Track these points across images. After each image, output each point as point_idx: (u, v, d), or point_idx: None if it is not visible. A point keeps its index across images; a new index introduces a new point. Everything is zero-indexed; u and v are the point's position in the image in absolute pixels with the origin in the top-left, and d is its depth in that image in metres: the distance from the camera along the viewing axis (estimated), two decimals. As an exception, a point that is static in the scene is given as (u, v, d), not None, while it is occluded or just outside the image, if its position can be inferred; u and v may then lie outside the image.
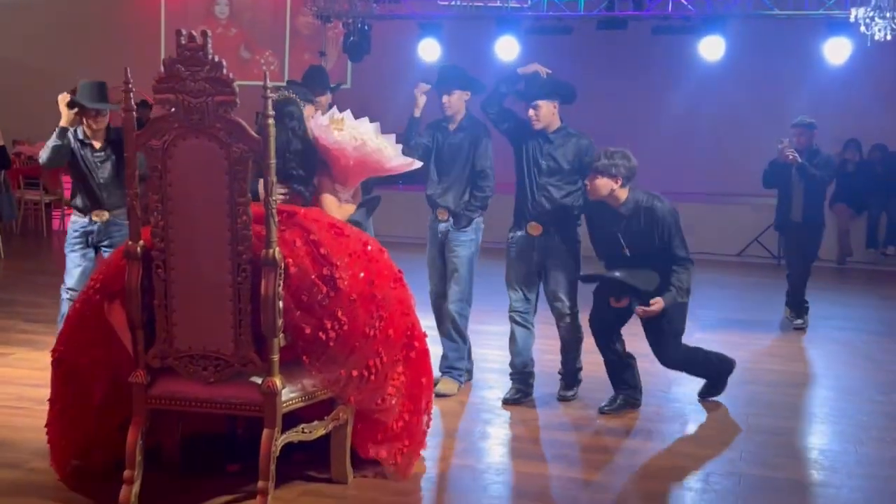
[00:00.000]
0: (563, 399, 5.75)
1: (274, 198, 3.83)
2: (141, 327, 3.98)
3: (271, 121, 3.82)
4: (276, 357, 3.90)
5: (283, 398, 3.94)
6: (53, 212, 13.16)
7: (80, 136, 5.96)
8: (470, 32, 13.00)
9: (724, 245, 11.72)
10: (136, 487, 3.98)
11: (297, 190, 4.63)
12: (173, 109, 3.85)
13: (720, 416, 5.54)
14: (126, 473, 3.98)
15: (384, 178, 5.25)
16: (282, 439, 3.97)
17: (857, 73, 12.42)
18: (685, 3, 11.63)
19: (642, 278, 5.36)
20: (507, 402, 5.73)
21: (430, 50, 12.54)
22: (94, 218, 6.03)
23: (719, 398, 5.81)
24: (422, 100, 5.91)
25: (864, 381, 6.47)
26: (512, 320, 5.81)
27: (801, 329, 8.09)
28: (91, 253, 6.14)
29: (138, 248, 3.95)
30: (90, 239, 6.08)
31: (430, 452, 4.71)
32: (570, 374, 5.82)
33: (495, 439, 5.25)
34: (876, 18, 9.90)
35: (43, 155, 5.89)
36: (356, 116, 4.90)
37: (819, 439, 5.36)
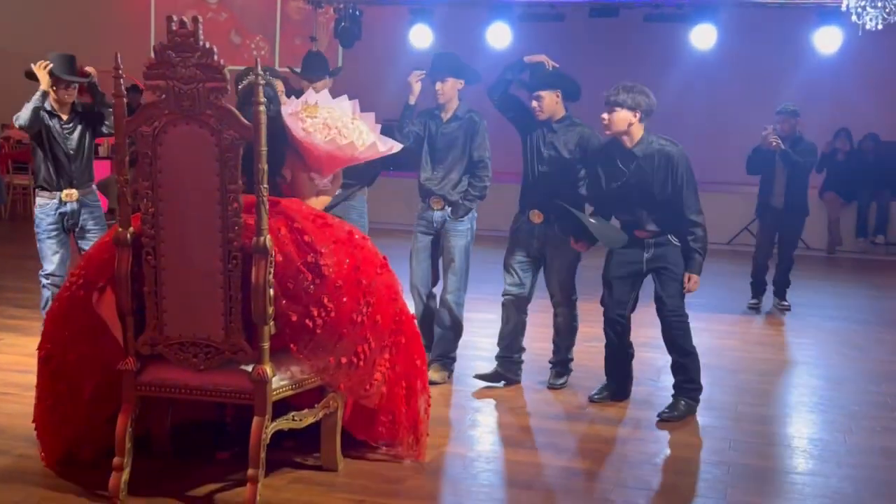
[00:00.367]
0: (552, 387, 5.76)
1: (265, 185, 3.81)
2: (131, 314, 3.96)
3: (262, 108, 3.79)
4: (266, 345, 3.89)
5: (273, 386, 3.93)
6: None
7: (48, 107, 6.03)
8: (461, 19, 12.97)
9: (714, 233, 11.63)
10: (125, 475, 3.97)
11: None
12: (164, 96, 3.82)
13: (710, 405, 5.55)
14: (115, 460, 3.96)
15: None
16: (272, 427, 3.96)
17: (848, 63, 12.43)
18: (677, -10, 11.61)
19: (610, 237, 5.29)
20: (480, 378, 5.80)
21: (421, 36, 12.50)
22: (65, 198, 6.05)
23: (709, 388, 5.81)
24: (417, 87, 5.87)
25: (854, 371, 6.49)
26: (504, 304, 5.84)
27: (787, 310, 8.40)
28: (66, 237, 6.14)
29: (128, 235, 3.93)
30: (65, 221, 6.08)
31: (420, 440, 4.71)
32: (562, 363, 5.83)
33: (485, 427, 5.25)
34: (868, 7, 9.89)
35: (22, 115, 5.95)
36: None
37: (808, 428, 5.37)
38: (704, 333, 7.31)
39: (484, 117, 5.89)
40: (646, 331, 5.62)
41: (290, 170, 4.56)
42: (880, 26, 9.97)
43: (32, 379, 4.38)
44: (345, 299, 4.02)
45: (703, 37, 11.86)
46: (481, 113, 5.90)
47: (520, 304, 5.82)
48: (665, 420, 5.21)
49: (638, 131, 5.27)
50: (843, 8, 10.11)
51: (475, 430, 5.13)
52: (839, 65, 12.45)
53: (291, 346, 4.00)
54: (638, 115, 5.23)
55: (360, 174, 5.73)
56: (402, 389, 4.40)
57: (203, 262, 3.90)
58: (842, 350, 7.13)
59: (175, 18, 3.79)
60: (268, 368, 3.88)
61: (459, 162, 5.83)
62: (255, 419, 3.88)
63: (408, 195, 7.75)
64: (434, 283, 6.05)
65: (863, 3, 9.69)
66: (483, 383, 5.81)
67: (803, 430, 5.34)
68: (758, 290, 8.58)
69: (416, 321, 4.62)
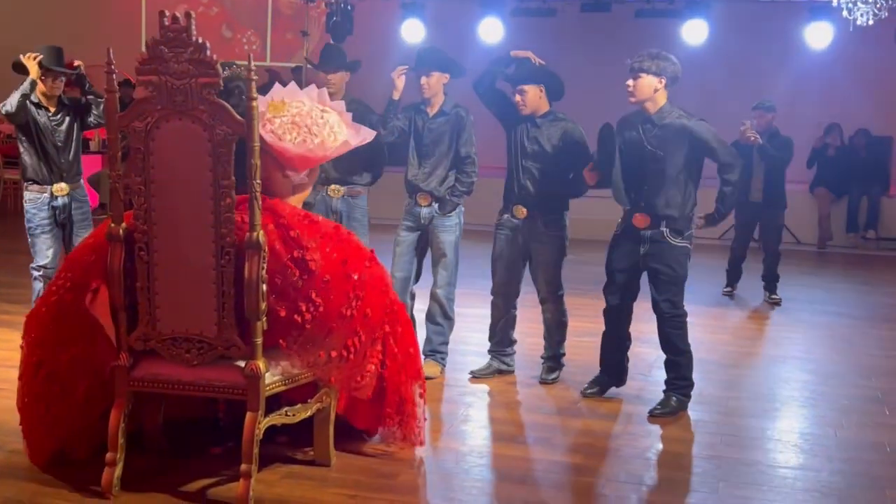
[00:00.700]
0: (544, 382, 5.78)
1: (258, 181, 3.81)
2: (123, 310, 3.96)
3: (255, 103, 3.80)
4: (259, 340, 3.89)
5: (266, 382, 3.93)
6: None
7: (35, 99, 6.05)
8: (453, 13, 12.96)
9: (706, 228, 11.77)
10: (118, 470, 3.98)
11: None
12: (156, 91, 3.81)
13: (701, 399, 5.57)
14: (108, 456, 3.97)
15: None
16: (265, 422, 3.96)
17: (839, 58, 12.46)
18: (669, -14, 11.63)
19: (619, 189, 5.21)
20: (473, 375, 5.83)
21: (413, 31, 12.49)
22: (56, 192, 6.06)
23: (700, 383, 5.83)
24: (400, 82, 5.84)
25: (845, 365, 6.52)
26: (492, 300, 5.89)
27: (777, 304, 8.50)
28: (59, 232, 6.15)
29: (121, 231, 3.92)
30: (58, 216, 6.09)
31: (412, 435, 4.72)
32: (553, 359, 5.85)
33: (478, 422, 5.26)
34: (858, 3, 9.93)
35: (10, 101, 5.95)
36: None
37: (799, 423, 5.40)
38: (695, 328, 7.31)
39: (470, 112, 5.88)
40: (638, 325, 5.62)
41: (263, 168, 4.46)
42: (871, 22, 10.01)
43: (24, 374, 4.36)
44: (333, 294, 4.02)
45: (694, 32, 11.88)
46: (468, 108, 5.89)
47: (508, 299, 5.85)
48: (656, 416, 5.22)
49: (662, 98, 5.22)
50: (834, 3, 10.15)
51: (468, 425, 5.14)
52: (830, 60, 12.48)
53: (281, 341, 4.00)
54: (663, 81, 5.18)
55: (366, 167, 5.83)
56: (402, 376, 4.42)
57: (196, 257, 3.90)
58: (832, 345, 7.16)
59: (167, 14, 3.78)
60: (261, 364, 3.88)
61: (446, 157, 5.83)
62: (248, 415, 3.89)
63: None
64: (416, 280, 6.04)
65: (853, -1, 9.73)
66: (477, 377, 5.83)
67: (794, 425, 5.36)
68: (732, 278, 8.82)
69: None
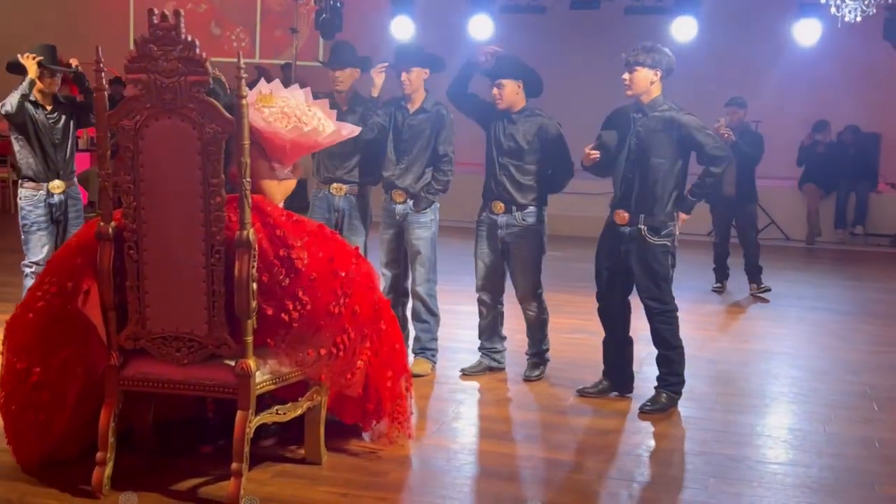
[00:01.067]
0: (528, 379, 5.77)
1: (247, 179, 3.80)
2: (113, 309, 3.95)
3: (245, 101, 3.79)
4: (250, 339, 3.88)
5: (256, 380, 3.93)
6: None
7: (32, 98, 6.07)
8: (443, 10, 12.96)
9: (695, 225, 11.78)
10: (108, 469, 3.96)
11: None
12: (145, 89, 3.80)
13: (691, 395, 5.58)
14: (98, 455, 3.96)
15: None
16: (256, 421, 3.96)
17: (827, 55, 12.50)
18: (658, -18, 11.65)
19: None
20: (464, 372, 5.84)
21: (402, 27, 12.49)
22: (52, 190, 6.09)
23: (690, 380, 5.84)
24: (379, 79, 5.82)
25: (833, 361, 6.55)
26: (478, 297, 5.90)
27: (767, 290, 8.69)
28: (54, 229, 6.16)
29: (110, 230, 3.91)
30: (54, 213, 6.10)
31: (403, 433, 4.72)
32: (537, 356, 5.85)
33: (468, 420, 5.27)
34: (847, 0, 9.97)
35: (10, 101, 5.98)
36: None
37: (788, 419, 5.42)
38: (684, 325, 7.32)
39: (451, 111, 5.87)
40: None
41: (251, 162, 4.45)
42: (859, 18, 10.05)
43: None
44: (320, 292, 4.02)
45: (683, 29, 11.91)
46: (448, 107, 5.88)
47: (493, 295, 5.86)
48: (647, 413, 5.23)
49: (656, 91, 5.23)
50: (822, 0, 10.18)
51: (458, 423, 5.14)
52: (818, 57, 12.52)
53: (269, 340, 3.99)
54: (659, 73, 5.20)
55: (368, 172, 5.88)
56: (387, 372, 4.42)
57: (186, 256, 3.89)
58: (821, 341, 7.19)
59: (157, 12, 3.77)
60: (251, 362, 3.88)
61: (423, 155, 5.81)
62: (239, 413, 3.88)
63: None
64: (406, 277, 6.03)
65: (842, -4, 9.77)
66: (467, 374, 5.83)
67: (783, 421, 5.38)
68: (720, 275, 8.97)
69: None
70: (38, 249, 6.08)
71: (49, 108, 6.15)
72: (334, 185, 5.87)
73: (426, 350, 5.91)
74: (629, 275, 5.32)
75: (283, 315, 3.97)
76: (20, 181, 6.19)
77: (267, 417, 4.06)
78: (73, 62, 6.21)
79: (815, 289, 9.44)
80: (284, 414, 4.13)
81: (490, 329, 5.89)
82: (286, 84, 4.68)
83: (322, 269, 4.03)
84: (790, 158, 12.58)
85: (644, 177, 5.20)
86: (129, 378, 4.00)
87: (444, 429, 5.00)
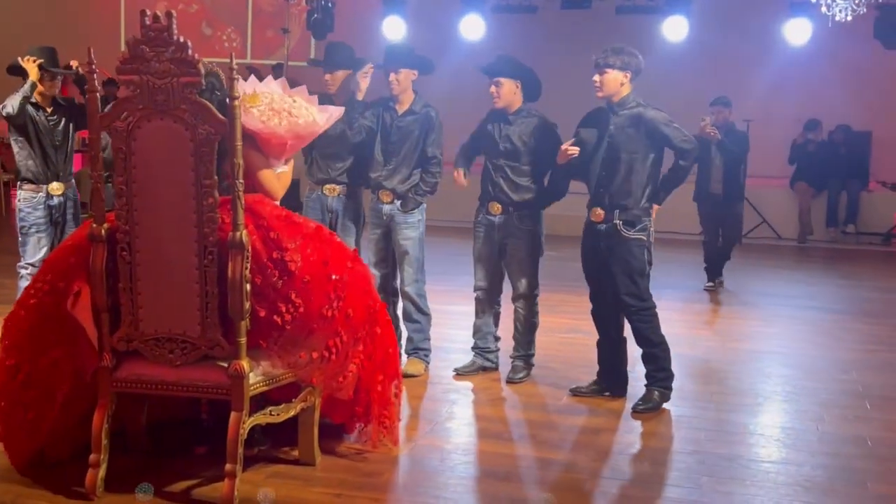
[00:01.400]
0: (510, 382, 5.75)
1: (240, 180, 3.80)
2: (106, 311, 3.94)
3: (237, 102, 3.79)
4: (243, 340, 3.88)
5: (250, 381, 3.92)
6: (12, 190, 12.98)
7: (32, 99, 6.07)
8: (434, 10, 12.97)
9: (687, 224, 11.84)
10: (101, 471, 3.96)
11: None
12: (137, 90, 3.80)
13: (683, 394, 5.60)
14: (92, 457, 3.95)
15: None
16: (249, 422, 3.96)
17: (818, 54, 12.54)
18: (649, -18, 11.67)
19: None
20: (457, 371, 5.84)
21: (394, 27, 12.49)
22: (52, 192, 6.08)
23: (682, 379, 5.85)
24: (364, 83, 5.80)
25: (826, 360, 6.56)
26: (476, 297, 5.90)
27: (713, 290, 8.94)
28: (53, 231, 6.15)
29: (103, 231, 3.90)
30: (54, 214, 6.09)
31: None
32: (522, 358, 5.84)
33: (462, 419, 5.27)
34: (837, -1, 10.00)
35: (10, 103, 5.98)
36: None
37: (781, 417, 5.43)
38: (677, 323, 7.36)
39: (440, 113, 5.86)
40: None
41: (247, 163, 4.43)
42: (849, 17, 10.09)
43: (8, 375, 4.33)
44: (313, 295, 4.01)
45: (674, 29, 11.95)
46: (437, 108, 5.87)
47: (490, 296, 5.87)
48: (640, 412, 5.24)
49: (625, 91, 5.29)
50: (813, 0, 10.21)
51: (452, 423, 5.15)
52: (809, 56, 12.55)
53: (261, 342, 3.99)
54: (629, 75, 5.26)
55: (361, 174, 5.88)
56: (378, 376, 4.42)
57: (179, 257, 3.88)
58: (813, 339, 7.21)
59: (149, 13, 3.76)
60: (245, 363, 3.88)
61: (411, 156, 5.80)
62: (233, 414, 3.88)
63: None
64: (395, 276, 6.04)
65: (832, -5, 9.80)
66: (460, 374, 5.84)
67: (776, 419, 5.39)
68: (712, 273, 9.09)
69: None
70: (36, 251, 6.07)
71: (49, 110, 6.16)
72: (328, 185, 5.86)
73: (419, 350, 5.91)
74: (611, 273, 5.34)
75: (275, 317, 3.96)
76: (19, 183, 6.18)
77: (261, 419, 4.06)
78: (74, 64, 6.21)
79: (807, 287, 9.46)
80: (278, 415, 4.13)
81: (485, 329, 5.90)
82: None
83: (316, 272, 4.03)
84: (782, 157, 12.62)
85: (616, 173, 5.25)
86: (122, 380, 4.00)
87: (437, 429, 5.00)
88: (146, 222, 3.89)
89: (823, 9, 10.15)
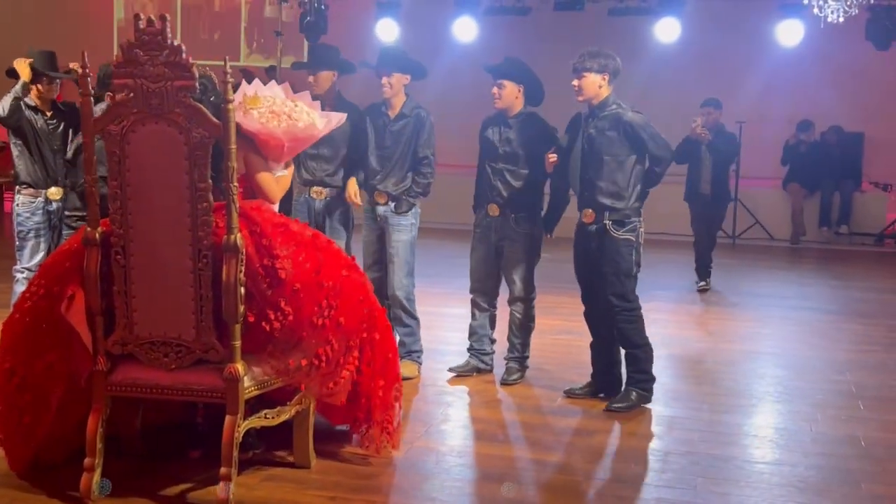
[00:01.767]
0: (505, 384, 5.75)
1: (234, 183, 3.80)
2: (100, 314, 3.94)
3: (231, 105, 3.79)
4: (237, 343, 3.88)
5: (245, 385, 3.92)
6: (6, 194, 12.95)
7: (31, 103, 6.04)
8: (428, 13, 12.97)
9: (678, 225, 11.86)
10: (96, 475, 3.96)
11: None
12: (132, 94, 3.80)
13: (676, 395, 5.61)
14: (87, 461, 3.95)
15: None
16: (244, 425, 3.96)
17: (810, 55, 12.57)
18: (642, -16, 11.69)
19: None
20: (452, 371, 5.86)
21: (387, 30, 12.49)
22: (51, 196, 6.06)
23: (675, 379, 5.88)
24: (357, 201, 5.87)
25: (819, 360, 6.58)
26: (472, 299, 5.91)
27: (705, 290, 8.99)
28: (50, 235, 6.13)
29: (97, 235, 3.90)
30: (52, 219, 6.08)
31: (392, 436, 4.72)
32: (516, 360, 5.85)
33: (457, 422, 5.28)
34: (829, 0, 10.03)
35: (3, 105, 5.95)
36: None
37: (775, 418, 5.44)
38: (670, 324, 7.39)
39: (431, 114, 5.86)
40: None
41: (242, 155, 4.37)
42: (841, 19, 10.12)
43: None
44: (303, 303, 4.00)
45: (667, 30, 11.98)
46: (428, 109, 5.87)
47: (486, 297, 5.87)
48: (614, 411, 5.25)
49: (605, 93, 5.32)
50: (805, 1, 10.24)
51: (447, 425, 5.15)
52: (801, 57, 12.59)
53: (251, 348, 3.98)
54: (606, 77, 5.29)
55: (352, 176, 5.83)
56: (379, 381, 4.41)
57: (173, 260, 3.88)
58: (806, 340, 7.22)
59: (143, 17, 3.77)
60: (239, 367, 3.88)
61: (405, 159, 5.80)
62: (228, 418, 3.88)
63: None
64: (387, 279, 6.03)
65: (824, -4, 9.83)
66: (455, 377, 5.84)
67: (769, 420, 5.41)
68: (702, 273, 9.16)
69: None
70: (33, 256, 6.05)
71: (49, 114, 6.11)
72: (315, 188, 5.83)
73: (412, 353, 5.91)
74: (602, 273, 5.36)
75: (263, 324, 3.96)
76: (17, 187, 6.14)
77: (255, 422, 4.06)
78: (74, 66, 6.16)
79: (800, 288, 9.49)
80: (273, 418, 4.13)
81: (480, 331, 5.90)
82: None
83: (307, 280, 4.02)
84: (774, 158, 12.65)
85: (601, 175, 5.29)
86: (116, 383, 3.99)
87: (432, 431, 5.00)
88: (141, 226, 3.89)
89: (815, 10, 10.17)
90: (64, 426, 4.20)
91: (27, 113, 5.99)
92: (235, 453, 3.88)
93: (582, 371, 5.67)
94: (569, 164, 5.43)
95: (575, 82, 5.32)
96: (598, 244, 5.32)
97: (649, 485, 4.39)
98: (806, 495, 4.25)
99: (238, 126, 4.38)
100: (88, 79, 3.88)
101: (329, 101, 5.64)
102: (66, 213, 5.98)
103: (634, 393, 5.33)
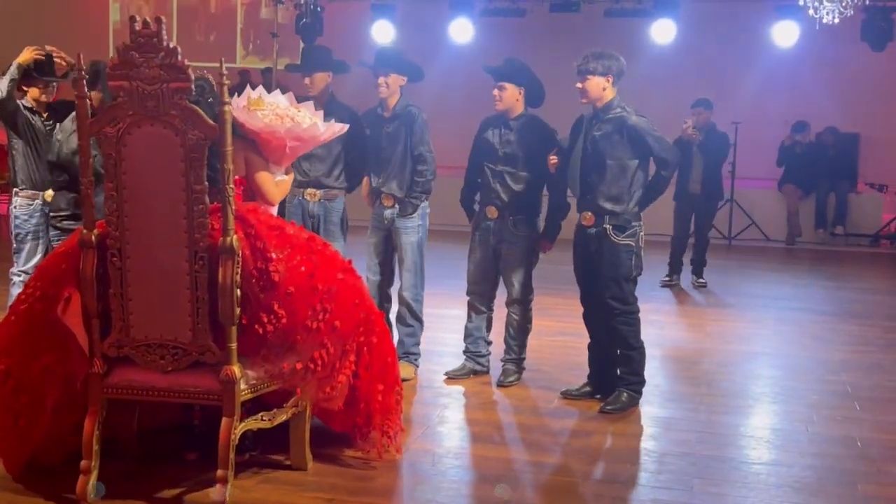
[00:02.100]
0: (501, 385, 5.75)
1: (231, 185, 3.80)
2: (97, 317, 3.94)
3: (227, 107, 3.79)
4: (233, 345, 3.88)
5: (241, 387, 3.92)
6: (1, 196, 12.94)
7: (28, 104, 5.98)
8: (423, 14, 12.99)
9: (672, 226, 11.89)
10: (93, 478, 3.95)
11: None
12: (127, 96, 3.79)
13: (672, 397, 5.62)
14: (83, 464, 3.94)
15: None
16: (241, 427, 3.95)
17: (806, 56, 12.60)
18: (637, -15, 11.71)
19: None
20: (449, 375, 5.85)
21: (383, 32, 12.50)
22: (48, 199, 6.04)
23: (671, 380, 5.88)
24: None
25: (814, 361, 6.59)
26: (469, 301, 5.91)
27: (671, 286, 9.17)
28: (47, 237, 6.11)
29: (93, 237, 3.90)
30: (49, 221, 6.06)
31: (388, 438, 4.72)
32: (513, 362, 5.84)
33: (453, 423, 5.28)
34: (824, 1, 10.04)
35: (2, 87, 5.81)
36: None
37: (770, 419, 5.45)
38: (665, 325, 7.40)
39: (422, 110, 5.85)
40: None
41: (243, 156, 4.44)
42: (836, 20, 10.13)
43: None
44: (297, 306, 3.99)
45: (662, 32, 12.00)
46: (422, 108, 5.86)
47: (483, 300, 5.87)
48: (607, 412, 5.25)
49: (610, 95, 5.30)
50: (801, 2, 10.26)
51: (443, 427, 5.15)
52: (797, 58, 12.62)
53: (244, 350, 3.97)
54: (610, 79, 5.27)
55: (347, 177, 5.85)
56: (378, 386, 4.40)
57: (169, 263, 3.88)
58: (802, 340, 7.23)
59: (138, 18, 3.76)
60: (236, 369, 3.88)
61: (405, 160, 5.79)
62: (224, 420, 3.88)
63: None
64: (391, 283, 6.04)
65: (819, -3, 9.85)
66: (451, 378, 5.84)
67: (765, 421, 5.41)
68: (674, 268, 9.29)
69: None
70: (30, 258, 6.02)
71: (45, 115, 6.05)
72: (309, 190, 5.81)
73: (409, 354, 5.91)
74: (600, 276, 5.36)
75: (256, 327, 3.95)
76: (15, 190, 6.12)
77: (252, 424, 4.06)
78: (59, 61, 6.12)
79: (796, 289, 9.50)
80: (270, 420, 4.13)
81: (476, 333, 5.90)
82: (267, 88, 4.72)
83: (301, 284, 4.01)
84: (770, 159, 12.67)
85: (604, 178, 5.27)
86: (113, 386, 3.99)
87: (429, 433, 5.00)
88: (137, 228, 3.89)
89: (811, 11, 10.19)
90: (60, 428, 4.20)
91: (26, 114, 5.97)
92: (232, 455, 3.88)
93: (578, 372, 5.68)
94: (568, 165, 5.42)
95: (579, 84, 5.30)
96: (598, 247, 5.31)
97: (646, 486, 4.39)
98: (802, 496, 4.26)
99: (241, 126, 4.42)
100: (84, 81, 3.88)
101: (322, 102, 5.64)
102: (51, 213, 5.95)
103: (625, 394, 5.33)
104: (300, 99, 5.09)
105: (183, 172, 3.82)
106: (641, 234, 5.35)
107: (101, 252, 3.92)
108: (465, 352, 5.94)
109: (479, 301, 5.87)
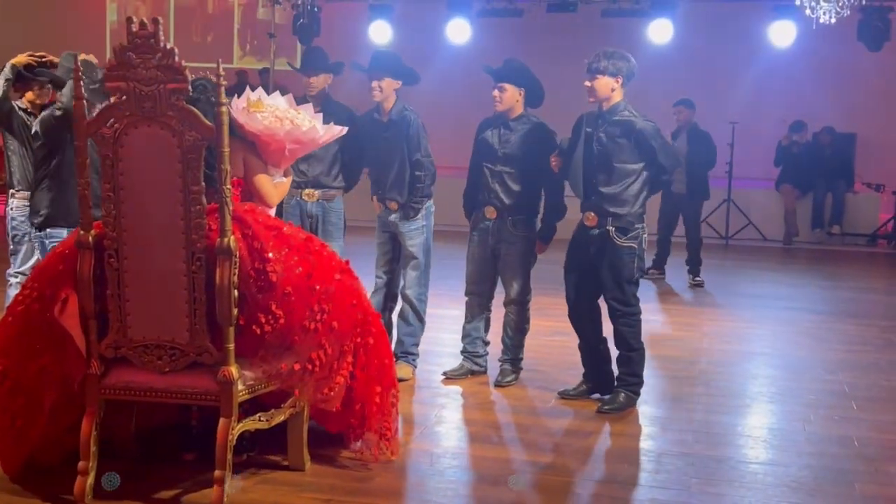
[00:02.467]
0: (499, 385, 5.75)
1: (228, 186, 3.80)
2: (94, 318, 3.94)
3: (225, 108, 3.78)
4: (231, 346, 3.88)
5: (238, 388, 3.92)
6: (-1, 197, 12.94)
7: (23, 105, 5.98)
8: (421, 15, 12.99)
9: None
10: (90, 478, 3.95)
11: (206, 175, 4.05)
12: (124, 97, 3.79)
13: (669, 396, 5.62)
14: (81, 464, 3.94)
15: None
16: (238, 428, 3.95)
17: (803, 56, 12.62)
18: (634, -14, 11.72)
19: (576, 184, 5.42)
20: (446, 375, 5.85)
21: (380, 32, 12.51)
22: None
23: (669, 380, 5.88)
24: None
25: (811, 360, 6.60)
26: (467, 301, 5.91)
27: (700, 285, 9.21)
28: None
29: (90, 238, 3.90)
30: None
31: (386, 438, 4.72)
32: (511, 362, 5.84)
33: (451, 423, 5.28)
34: (821, 1, 10.06)
35: None
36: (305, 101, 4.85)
37: (767, 418, 5.46)
38: (664, 325, 7.41)
39: (419, 114, 5.85)
40: (605, 323, 5.66)
41: (241, 157, 4.44)
42: (833, 20, 10.15)
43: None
44: (294, 307, 3.99)
45: (659, 32, 12.01)
46: (419, 111, 5.86)
47: (481, 300, 5.88)
48: (604, 413, 5.26)
49: (618, 96, 5.28)
50: (797, 2, 10.27)
51: (441, 427, 5.15)
52: (794, 58, 12.64)
53: (243, 351, 3.98)
54: (620, 80, 5.25)
55: (345, 177, 5.88)
56: (375, 387, 4.39)
57: (166, 263, 3.88)
58: (799, 340, 7.24)
59: (135, 19, 3.76)
60: (233, 370, 3.88)
61: (403, 164, 5.79)
62: (222, 420, 3.88)
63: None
64: (398, 283, 6.03)
65: (816, -3, 9.87)
66: (449, 378, 5.84)
67: (763, 420, 5.42)
68: (658, 262, 9.47)
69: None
70: (27, 260, 6.02)
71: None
72: (306, 190, 5.81)
73: (408, 354, 5.91)
74: (597, 277, 5.35)
75: (254, 327, 3.95)
76: (11, 192, 6.11)
77: (250, 424, 4.05)
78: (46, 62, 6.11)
79: (793, 289, 9.51)
80: (267, 420, 4.12)
81: (474, 333, 5.90)
82: (265, 89, 4.73)
83: (298, 284, 4.01)
84: (767, 159, 12.68)
85: (609, 180, 5.26)
86: (110, 386, 3.99)
87: (427, 433, 5.00)
88: (134, 229, 3.89)
89: (807, 11, 10.21)
90: (58, 429, 4.20)
91: (21, 115, 5.96)
92: (229, 456, 3.88)
93: (575, 372, 5.68)
94: (570, 166, 5.41)
95: (587, 82, 5.27)
96: (599, 248, 5.30)
97: (643, 486, 4.39)
98: (799, 495, 4.26)
99: (240, 127, 4.42)
100: (81, 82, 3.88)
101: (318, 102, 5.65)
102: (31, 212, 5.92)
103: (623, 394, 5.34)
104: (299, 100, 5.10)
105: (180, 173, 3.81)
106: (644, 236, 5.34)
107: (98, 253, 3.92)
108: (462, 352, 5.94)
109: (478, 301, 5.87)
